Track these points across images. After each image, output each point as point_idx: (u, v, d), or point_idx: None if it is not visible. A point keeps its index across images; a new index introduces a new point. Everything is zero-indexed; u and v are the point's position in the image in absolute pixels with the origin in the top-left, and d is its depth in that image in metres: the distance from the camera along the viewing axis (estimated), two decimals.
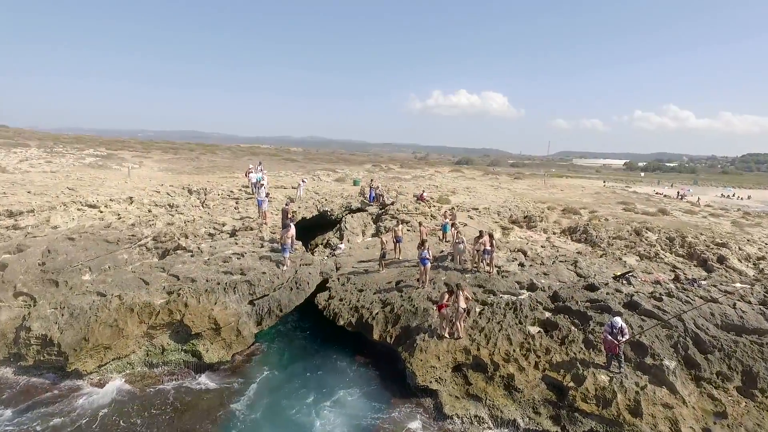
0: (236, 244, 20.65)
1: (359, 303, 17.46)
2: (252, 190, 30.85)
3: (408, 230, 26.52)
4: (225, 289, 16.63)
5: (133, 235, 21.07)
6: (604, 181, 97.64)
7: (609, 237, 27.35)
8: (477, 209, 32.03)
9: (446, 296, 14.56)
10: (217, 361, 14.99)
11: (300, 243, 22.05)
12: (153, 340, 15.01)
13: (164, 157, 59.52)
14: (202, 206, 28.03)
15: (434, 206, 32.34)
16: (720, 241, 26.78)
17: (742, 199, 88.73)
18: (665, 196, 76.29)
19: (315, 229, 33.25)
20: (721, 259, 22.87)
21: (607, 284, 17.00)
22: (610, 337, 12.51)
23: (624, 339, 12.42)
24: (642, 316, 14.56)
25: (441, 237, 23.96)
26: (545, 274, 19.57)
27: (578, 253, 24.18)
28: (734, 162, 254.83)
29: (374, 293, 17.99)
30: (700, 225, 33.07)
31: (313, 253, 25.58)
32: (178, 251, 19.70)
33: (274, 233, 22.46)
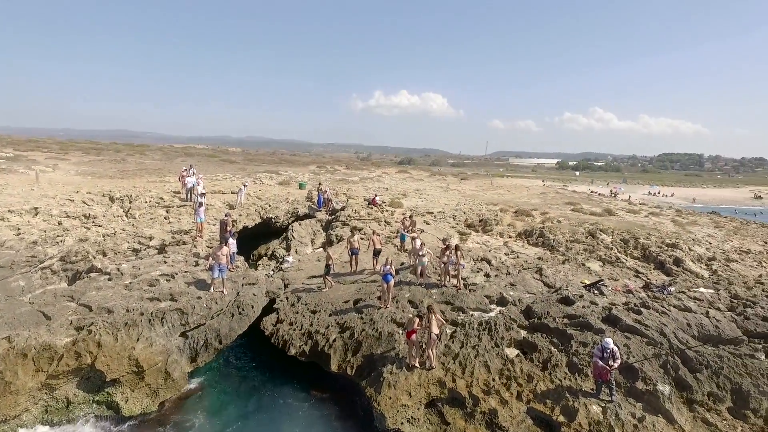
0: (165, 262, 17.67)
1: (313, 327, 15.26)
2: (186, 196, 27.57)
3: (362, 238, 24.54)
4: (150, 320, 13.81)
5: (33, 256, 17.53)
6: (543, 181, 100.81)
7: (566, 240, 26.80)
8: (432, 213, 30.61)
9: (416, 321, 12.72)
10: (140, 412, 12.22)
11: (242, 258, 19.41)
12: (54, 392, 11.97)
13: (84, 159, 53.62)
14: (126, 216, 24.47)
15: (387, 211, 30.58)
16: (670, 242, 27.02)
17: (666, 196, 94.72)
18: (600, 194, 79.68)
19: (258, 238, 30.50)
20: (677, 262, 22.79)
21: (582, 296, 15.90)
22: (601, 363, 11.20)
23: (616, 365, 11.16)
24: (625, 333, 13.47)
25: (399, 247, 22.15)
26: (512, 285, 18.30)
27: (539, 258, 23.28)
28: (652, 161, 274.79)
29: (330, 315, 15.86)
30: (646, 225, 33.65)
31: (256, 267, 23.00)
32: (92, 274, 16.47)
33: (211, 247, 19.66)
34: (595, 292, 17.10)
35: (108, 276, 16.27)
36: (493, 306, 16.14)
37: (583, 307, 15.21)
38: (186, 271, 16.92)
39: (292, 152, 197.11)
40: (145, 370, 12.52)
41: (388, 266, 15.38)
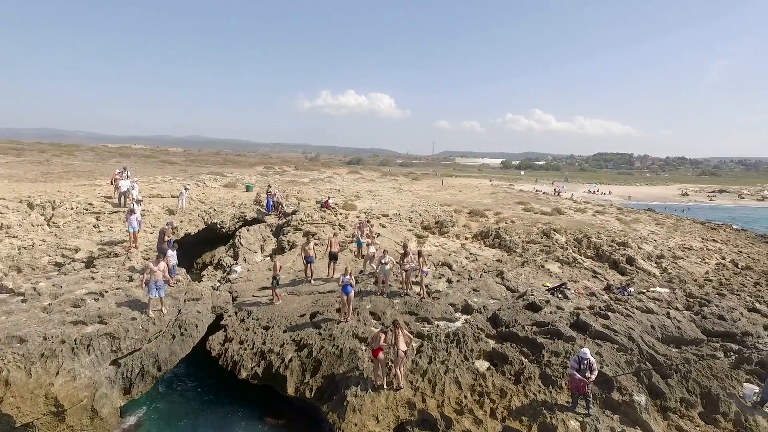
0: (93, 278, 15.54)
1: (266, 346, 13.85)
2: (120, 201, 25.02)
3: (316, 244, 23.20)
4: (74, 348, 11.86)
5: None
6: (491, 180, 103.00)
7: (522, 241, 26.74)
8: (388, 216, 29.70)
9: (381, 337, 11.67)
10: None
11: (183, 271, 17.56)
12: None
13: (1, 161, 48.36)
14: (48, 225, 21.72)
15: (341, 214, 29.34)
16: (619, 241, 27.65)
17: (604, 194, 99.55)
18: (545, 193, 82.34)
19: (203, 244, 28.36)
20: (630, 261, 23.20)
21: (548, 302, 15.48)
22: (578, 375, 10.64)
23: (593, 376, 10.65)
24: (596, 340, 13.10)
25: (356, 253, 21.01)
26: (476, 290, 17.69)
27: (498, 261, 22.95)
28: (588, 160, 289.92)
29: (285, 331, 14.49)
30: (594, 224, 34.49)
31: (201, 278, 21.12)
32: (1, 295, 14.14)
33: (148, 259, 17.65)
34: (559, 295, 16.80)
35: (22, 297, 14.01)
36: (458, 314, 15.41)
37: (551, 313, 14.77)
38: (118, 288, 14.91)
39: (237, 152, 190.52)
40: (67, 410, 10.64)
41: (348, 277, 14.23)
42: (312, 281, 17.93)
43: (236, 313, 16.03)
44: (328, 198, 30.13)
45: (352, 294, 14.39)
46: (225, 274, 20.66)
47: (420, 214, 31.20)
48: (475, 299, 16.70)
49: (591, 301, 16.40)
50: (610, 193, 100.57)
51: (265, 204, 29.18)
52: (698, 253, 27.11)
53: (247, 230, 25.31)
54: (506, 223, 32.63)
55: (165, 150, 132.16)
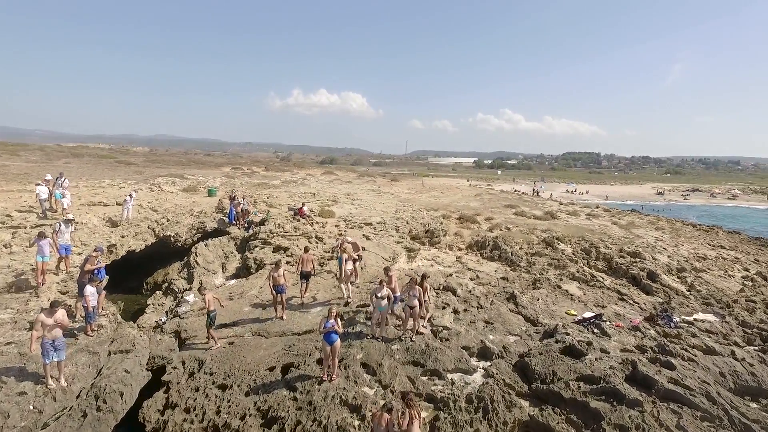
0: None
1: (221, 417, 10.04)
2: (41, 210, 20.55)
3: (288, 261, 19.34)
4: None
5: None
6: (468, 180, 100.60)
7: (526, 254, 23.54)
8: (371, 224, 26.01)
9: (384, 418, 8.05)
10: None
11: (114, 308, 13.47)
12: None
13: None
14: None
15: (318, 223, 25.49)
16: (629, 250, 24.82)
17: (582, 194, 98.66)
18: (524, 193, 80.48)
19: (155, 260, 24.09)
20: (652, 276, 20.23)
21: (590, 344, 12.10)
22: None
23: None
24: (668, 404, 9.77)
25: (338, 274, 17.11)
26: (489, 323, 14.24)
27: (503, 279, 19.61)
28: (557, 159, 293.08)
29: (247, 394, 10.68)
30: (594, 230, 31.72)
31: (144, 310, 16.98)
32: None
33: (66, 293, 13.46)
34: (594, 330, 13.53)
35: None
36: (475, 362, 11.91)
37: (597, 360, 11.42)
38: (9, 343, 10.75)
39: (206, 152, 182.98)
40: None
41: (332, 321, 10.51)
42: (284, 317, 14.08)
43: (183, 363, 12.11)
44: (303, 204, 26.20)
45: (338, 344, 10.68)
46: (175, 302, 16.59)
47: (407, 222, 27.65)
48: (491, 337, 13.24)
49: (636, 338, 13.15)
50: (587, 192, 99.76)
51: (228, 212, 25.03)
52: (715, 263, 24.52)
53: (205, 245, 21.19)
54: (501, 230, 29.45)
55: (127, 150, 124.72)
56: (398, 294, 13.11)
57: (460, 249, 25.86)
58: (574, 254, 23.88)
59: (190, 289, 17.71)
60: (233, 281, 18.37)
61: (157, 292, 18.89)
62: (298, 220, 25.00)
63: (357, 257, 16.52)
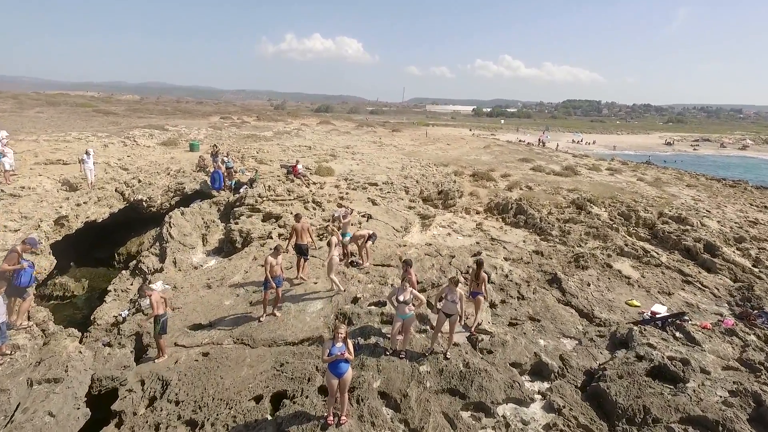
0: None
1: None
2: None
3: (281, 235, 16.08)
4: None
5: None
6: (471, 130, 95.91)
7: (557, 220, 20.32)
8: (376, 184, 22.53)
9: None
10: None
11: (45, 313, 10.24)
12: None
13: None
14: None
15: (315, 183, 21.98)
16: (672, 214, 21.66)
17: (589, 144, 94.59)
18: (529, 143, 76.58)
19: (128, 228, 20.88)
20: (710, 249, 17.11)
21: (687, 363, 9.02)
22: None
23: None
24: None
25: (342, 253, 13.70)
26: (535, 320, 11.20)
27: (537, 252, 16.44)
28: (557, 107, 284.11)
29: None
30: (624, 188, 28.40)
31: (105, 296, 13.88)
32: None
33: None
34: (675, 333, 10.51)
35: None
36: (530, 384, 8.93)
37: (701, 386, 8.40)
38: None
39: (198, 100, 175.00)
40: None
41: (340, 346, 7.34)
42: (277, 314, 10.92)
43: (142, 384, 9.11)
44: (297, 162, 22.50)
45: (349, 375, 7.57)
46: (138, 292, 13.41)
47: (417, 182, 24.14)
48: (543, 343, 10.22)
49: (733, 347, 10.13)
50: (594, 143, 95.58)
51: (210, 172, 21.43)
52: None
53: (182, 213, 17.76)
54: (521, 189, 26.13)
55: (110, 98, 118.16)
56: (453, 297, 9.36)
57: (477, 212, 22.63)
58: (612, 220, 20.68)
59: (162, 270, 14.49)
60: (213, 261, 15.07)
61: (124, 271, 15.64)
62: (292, 181, 21.49)
63: (368, 235, 13.21)
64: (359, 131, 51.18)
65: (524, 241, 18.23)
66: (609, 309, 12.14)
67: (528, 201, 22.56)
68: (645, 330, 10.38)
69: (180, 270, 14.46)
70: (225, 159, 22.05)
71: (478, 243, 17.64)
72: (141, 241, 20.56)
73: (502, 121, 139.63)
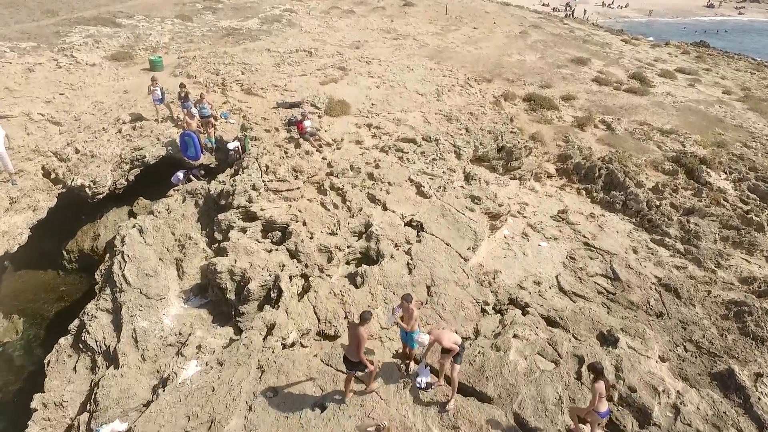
0: None
1: None
2: None
3: (295, 256, 10.61)
4: None
5: None
6: None
7: (673, 207, 14.58)
8: (413, 141, 16.03)
9: None
10: None
11: None
12: None
13: None
14: None
15: (329, 145, 15.57)
16: None
17: (621, 8, 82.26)
18: (554, 9, 66.21)
19: (77, 213, 15.37)
20: None
21: None
22: None
23: None
24: None
25: (404, 362, 8.30)
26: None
27: (667, 289, 11.27)
28: None
29: None
30: (723, 118, 21.87)
31: (33, 415, 8.97)
32: None
33: None
34: None
35: None
36: None
37: None
38: None
39: None
40: None
41: None
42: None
43: None
44: (302, 116, 15.59)
45: None
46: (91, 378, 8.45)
47: (467, 129, 17.49)
48: None
49: None
50: (627, 5, 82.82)
51: (179, 138, 14.86)
52: None
53: (140, 231, 11.74)
54: (595, 126, 19.82)
55: None
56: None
57: (549, 176, 16.80)
58: (742, 200, 15.03)
59: (116, 358, 9.31)
60: (194, 363, 9.38)
61: (62, 341, 10.27)
62: (299, 145, 15.06)
63: (457, 349, 7.86)
64: (365, 9, 41.17)
65: (634, 250, 12.88)
66: None
67: (618, 161, 16.50)
68: None
69: (145, 361, 9.28)
70: (205, 104, 15.17)
71: (572, 259, 12.32)
72: (95, 232, 15.08)
73: None
